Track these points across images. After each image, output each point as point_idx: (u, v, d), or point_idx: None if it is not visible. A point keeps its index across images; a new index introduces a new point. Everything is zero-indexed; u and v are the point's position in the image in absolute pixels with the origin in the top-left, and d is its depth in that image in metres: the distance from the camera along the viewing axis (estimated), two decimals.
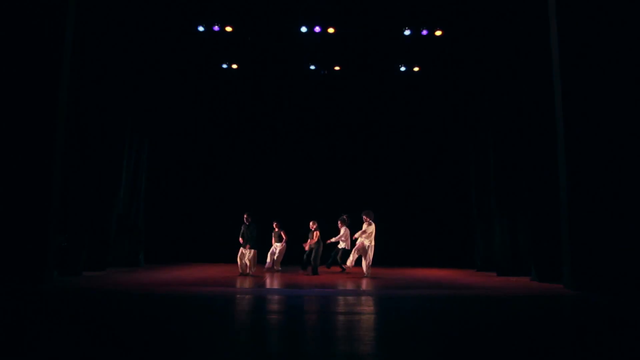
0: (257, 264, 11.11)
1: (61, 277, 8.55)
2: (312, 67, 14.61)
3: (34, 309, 5.62)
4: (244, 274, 10.43)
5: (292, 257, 12.31)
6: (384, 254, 11.60)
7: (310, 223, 11.24)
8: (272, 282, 9.31)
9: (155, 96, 13.23)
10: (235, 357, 3.57)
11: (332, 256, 11.64)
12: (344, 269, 11.71)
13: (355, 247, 10.74)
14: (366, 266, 10.58)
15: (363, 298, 7.19)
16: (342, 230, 11.44)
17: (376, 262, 11.28)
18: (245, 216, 10.89)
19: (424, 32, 12.54)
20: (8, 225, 7.62)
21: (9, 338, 3.99)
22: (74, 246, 9.21)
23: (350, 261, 10.83)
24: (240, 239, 10.88)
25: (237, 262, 10.71)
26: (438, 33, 12.55)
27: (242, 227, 10.91)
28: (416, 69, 14.57)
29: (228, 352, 3.73)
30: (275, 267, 11.69)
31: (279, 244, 11.65)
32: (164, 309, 5.85)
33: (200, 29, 12.52)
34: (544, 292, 7.88)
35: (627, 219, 7.68)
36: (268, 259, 11.66)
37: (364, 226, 10.78)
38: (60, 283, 7.87)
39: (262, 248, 11.44)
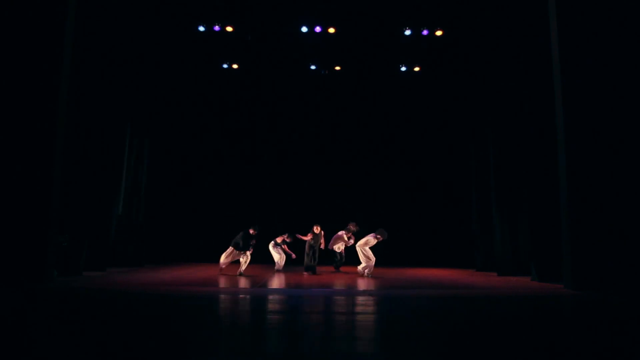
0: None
1: (61, 277, 8.54)
2: (313, 67, 14.61)
3: (34, 309, 5.61)
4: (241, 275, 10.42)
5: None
6: (384, 254, 11.58)
7: (314, 227, 11.30)
8: (272, 283, 9.31)
9: (156, 96, 13.23)
10: (235, 357, 3.56)
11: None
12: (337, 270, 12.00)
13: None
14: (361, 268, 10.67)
15: (363, 298, 7.19)
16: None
17: (376, 262, 11.26)
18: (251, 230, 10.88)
19: (425, 32, 12.55)
20: (8, 224, 7.62)
21: (8, 338, 3.98)
22: (74, 246, 9.20)
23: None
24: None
25: (239, 262, 10.68)
26: (439, 33, 12.56)
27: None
28: (417, 69, 14.56)
29: (228, 352, 3.73)
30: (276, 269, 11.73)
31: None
32: (164, 309, 5.85)
33: (201, 29, 12.53)
34: (544, 292, 7.88)
35: (627, 219, 7.68)
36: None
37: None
38: (60, 283, 7.87)
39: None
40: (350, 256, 11.98)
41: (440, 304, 6.55)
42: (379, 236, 10.57)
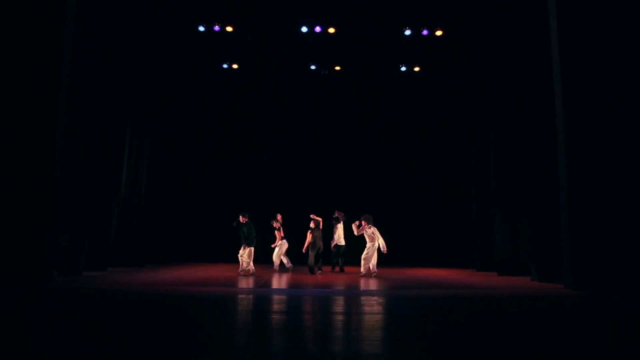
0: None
1: (61, 277, 8.54)
2: (313, 67, 14.61)
3: (34, 309, 5.61)
4: (247, 274, 10.42)
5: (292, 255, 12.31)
6: (384, 253, 11.64)
7: (311, 223, 11.30)
8: (273, 282, 9.31)
9: (156, 96, 13.23)
10: (235, 358, 3.56)
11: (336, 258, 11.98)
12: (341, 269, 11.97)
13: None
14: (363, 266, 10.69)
15: (363, 298, 7.18)
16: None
17: (376, 262, 11.28)
18: (240, 217, 10.87)
19: (425, 32, 12.55)
20: (8, 224, 7.61)
21: (8, 338, 3.98)
22: (74, 246, 9.20)
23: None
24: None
25: (238, 261, 10.75)
26: (439, 33, 12.56)
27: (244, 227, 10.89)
28: (417, 68, 14.57)
29: (228, 352, 3.73)
30: (275, 267, 11.73)
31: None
32: (164, 309, 5.85)
33: (201, 29, 12.53)
34: (544, 292, 7.88)
35: (627, 219, 7.67)
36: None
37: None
38: (60, 283, 7.87)
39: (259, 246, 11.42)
40: (351, 256, 11.99)
41: (440, 304, 6.55)
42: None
